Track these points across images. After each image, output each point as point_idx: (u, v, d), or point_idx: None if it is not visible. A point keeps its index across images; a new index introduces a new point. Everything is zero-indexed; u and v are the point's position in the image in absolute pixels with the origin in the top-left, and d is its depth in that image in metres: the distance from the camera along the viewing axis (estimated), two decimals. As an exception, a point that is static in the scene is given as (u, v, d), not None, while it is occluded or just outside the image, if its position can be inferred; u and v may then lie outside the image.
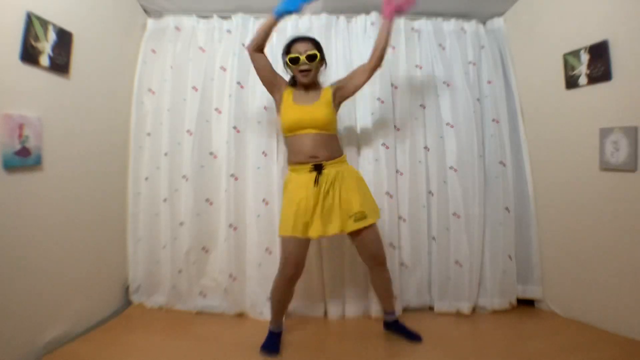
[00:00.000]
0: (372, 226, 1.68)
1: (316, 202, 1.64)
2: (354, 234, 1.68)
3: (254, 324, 1.80)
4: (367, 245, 1.69)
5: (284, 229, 1.64)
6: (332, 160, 1.69)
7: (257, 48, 1.72)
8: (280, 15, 1.65)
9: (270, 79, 1.78)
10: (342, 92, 1.77)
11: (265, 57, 1.76)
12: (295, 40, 1.74)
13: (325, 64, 1.81)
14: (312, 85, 1.78)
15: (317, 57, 1.70)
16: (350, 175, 1.72)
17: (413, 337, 1.78)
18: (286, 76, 1.86)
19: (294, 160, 1.72)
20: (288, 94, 1.76)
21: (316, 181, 1.64)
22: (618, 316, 1.75)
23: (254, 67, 1.78)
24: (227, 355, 1.68)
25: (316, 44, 1.74)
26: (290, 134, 1.71)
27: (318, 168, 1.65)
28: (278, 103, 1.79)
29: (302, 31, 2.26)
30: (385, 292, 1.80)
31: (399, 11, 1.69)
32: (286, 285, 1.67)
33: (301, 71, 1.70)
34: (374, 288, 1.86)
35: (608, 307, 1.80)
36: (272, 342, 1.70)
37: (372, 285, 1.87)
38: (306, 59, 1.68)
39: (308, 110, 1.68)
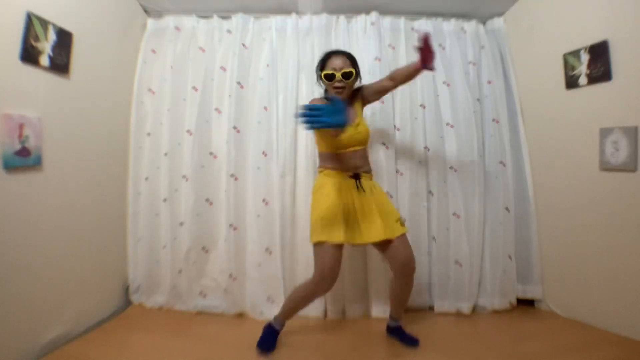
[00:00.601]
0: (405, 235, 1.66)
1: (359, 207, 1.63)
2: (388, 243, 1.62)
3: (254, 324, 1.80)
4: (402, 252, 1.62)
5: (331, 235, 1.53)
6: (368, 173, 1.74)
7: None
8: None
9: None
10: (374, 96, 1.79)
11: None
12: (331, 54, 1.69)
13: (360, 77, 1.77)
14: (347, 100, 1.74)
15: (353, 75, 1.65)
16: (379, 189, 1.75)
17: (411, 341, 1.76)
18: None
19: (332, 167, 1.69)
20: None
21: (358, 187, 1.65)
22: (618, 316, 1.75)
23: None
24: (227, 355, 1.68)
25: (352, 60, 1.70)
26: (334, 151, 1.69)
27: (357, 176, 1.67)
28: None
29: (302, 31, 2.27)
30: (402, 300, 1.75)
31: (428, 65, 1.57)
32: (318, 297, 1.63)
33: (335, 87, 1.67)
34: (392, 294, 1.76)
35: (608, 307, 1.80)
36: (271, 339, 1.71)
37: (391, 291, 1.76)
38: (342, 76, 1.64)
39: (354, 130, 1.66)
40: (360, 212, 1.63)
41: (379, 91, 1.79)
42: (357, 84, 1.77)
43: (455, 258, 2.15)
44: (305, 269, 2.11)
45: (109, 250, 2.08)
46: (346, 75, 1.64)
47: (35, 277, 1.56)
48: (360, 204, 1.64)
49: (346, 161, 1.67)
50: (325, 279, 1.55)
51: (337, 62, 1.66)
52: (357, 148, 1.68)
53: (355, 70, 1.69)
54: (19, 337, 1.48)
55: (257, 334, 1.75)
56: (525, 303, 2.19)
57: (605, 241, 1.81)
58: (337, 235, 1.54)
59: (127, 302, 2.20)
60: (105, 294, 2.05)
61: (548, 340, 1.77)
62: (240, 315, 2.10)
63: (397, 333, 1.80)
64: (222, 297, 2.14)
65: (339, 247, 1.56)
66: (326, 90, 1.77)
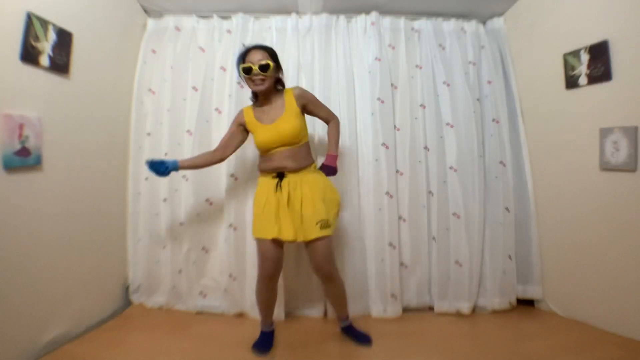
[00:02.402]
0: (326, 238, 1.65)
1: (278, 206, 1.65)
2: (310, 242, 1.65)
3: (254, 324, 1.80)
4: (316, 256, 1.65)
5: (254, 230, 1.70)
6: (299, 170, 1.68)
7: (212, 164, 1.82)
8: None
9: (241, 133, 1.80)
10: (309, 111, 1.78)
11: (227, 148, 1.80)
12: (250, 50, 1.69)
13: (282, 71, 1.77)
14: (272, 95, 1.73)
15: (270, 67, 1.65)
16: (316, 184, 1.70)
17: (362, 339, 1.79)
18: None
19: (261, 167, 1.75)
20: (248, 114, 1.73)
21: (277, 187, 1.66)
22: (618, 316, 1.75)
23: None
24: (227, 355, 1.69)
25: (271, 53, 1.70)
26: (263, 153, 1.73)
27: (280, 176, 1.68)
28: (246, 128, 1.77)
29: (302, 31, 2.27)
30: (338, 302, 1.81)
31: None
32: (267, 284, 1.68)
33: (254, 82, 1.66)
34: (325, 296, 1.86)
35: (608, 307, 1.80)
36: (264, 341, 1.73)
37: (324, 296, 1.88)
38: (259, 69, 1.63)
39: (275, 129, 1.66)
40: (281, 210, 1.65)
41: (315, 113, 1.80)
42: (283, 80, 1.78)
43: (455, 258, 2.15)
44: (306, 268, 2.12)
45: (109, 250, 2.08)
46: (263, 67, 1.64)
47: (36, 277, 1.56)
48: (277, 203, 1.66)
49: (271, 162, 1.70)
50: (264, 263, 1.65)
51: (254, 56, 1.66)
52: (281, 149, 1.67)
53: (275, 63, 1.68)
54: (19, 337, 1.48)
55: (257, 333, 1.76)
56: (525, 303, 2.19)
57: (605, 241, 1.81)
58: (269, 232, 1.63)
59: (127, 302, 2.20)
60: (105, 294, 2.05)
61: (548, 340, 1.77)
62: (240, 315, 2.10)
63: (348, 332, 1.83)
64: (222, 297, 2.14)
65: (276, 240, 1.64)
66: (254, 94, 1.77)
